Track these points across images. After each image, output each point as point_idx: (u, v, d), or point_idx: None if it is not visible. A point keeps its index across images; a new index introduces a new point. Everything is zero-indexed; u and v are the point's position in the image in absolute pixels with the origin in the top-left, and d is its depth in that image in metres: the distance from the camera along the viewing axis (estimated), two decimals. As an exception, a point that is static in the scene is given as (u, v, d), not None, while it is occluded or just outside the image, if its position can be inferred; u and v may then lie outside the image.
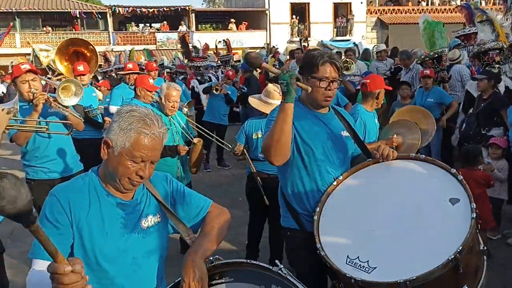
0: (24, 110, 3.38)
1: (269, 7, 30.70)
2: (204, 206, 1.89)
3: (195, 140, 4.10)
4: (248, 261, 1.77)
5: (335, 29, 31.73)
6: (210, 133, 5.55)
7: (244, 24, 31.10)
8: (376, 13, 32.51)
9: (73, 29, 28.88)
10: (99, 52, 9.00)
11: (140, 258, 1.72)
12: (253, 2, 32.57)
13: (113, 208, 1.68)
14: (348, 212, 2.29)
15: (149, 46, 28.02)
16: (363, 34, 31.61)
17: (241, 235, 4.69)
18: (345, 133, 2.53)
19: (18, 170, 4.39)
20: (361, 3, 31.82)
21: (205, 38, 26.34)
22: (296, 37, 30.03)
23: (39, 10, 27.74)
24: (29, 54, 21.97)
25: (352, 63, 8.28)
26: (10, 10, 26.97)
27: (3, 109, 2.86)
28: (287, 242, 2.66)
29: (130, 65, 6.86)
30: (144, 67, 9.20)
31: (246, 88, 8.81)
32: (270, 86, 4.22)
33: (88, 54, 7.84)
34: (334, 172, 2.42)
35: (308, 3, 31.22)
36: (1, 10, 26.87)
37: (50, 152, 3.66)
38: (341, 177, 2.42)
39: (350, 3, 31.74)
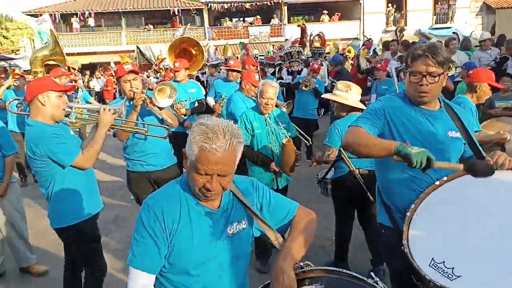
0: (126, 108, 3.65)
1: (363, -3, 29.83)
2: (291, 209, 1.89)
3: (284, 140, 3.92)
4: (339, 270, 1.75)
5: (434, 16, 29.93)
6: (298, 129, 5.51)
7: (337, 15, 30.51)
8: (482, -3, 30.11)
9: (172, 26, 30.45)
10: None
11: (226, 264, 1.76)
12: (347, -8, 31.83)
13: (202, 217, 1.72)
14: (444, 216, 2.16)
15: (242, 40, 28.74)
16: (466, 21, 29.43)
17: (328, 230, 4.67)
18: (452, 134, 2.34)
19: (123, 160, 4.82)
20: (465, -13, 29.65)
21: (297, 31, 26.33)
22: (391, 26, 28.85)
23: (142, 9, 29.66)
24: (133, 51, 23.72)
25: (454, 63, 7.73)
26: (117, 10, 29.16)
27: (109, 110, 3.11)
28: (382, 239, 2.60)
29: (231, 62, 6.95)
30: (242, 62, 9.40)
31: (336, 82, 8.65)
32: (340, 84, 4.08)
33: (194, 53, 8.29)
34: (433, 173, 2.22)
35: (406, -10, 29.81)
36: (109, 10, 29.14)
37: (147, 148, 3.91)
38: (445, 178, 2.25)
39: (452, -12, 29.71)
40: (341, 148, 3.70)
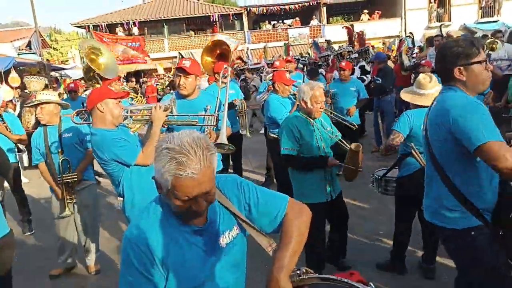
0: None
1: (404, -7, 29.25)
2: (281, 208, 1.74)
3: (353, 146, 3.60)
4: (339, 278, 1.61)
5: (480, 10, 28.91)
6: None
7: (377, 13, 30.08)
8: (531, -13, 28.82)
9: (213, 32, 30.97)
10: (237, 51, 9.57)
11: (226, 273, 1.68)
12: (387, -10, 31.34)
13: (190, 236, 1.60)
14: None
15: (282, 43, 28.86)
16: (514, 13, 28.27)
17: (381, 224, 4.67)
18: None
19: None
20: (512, -22, 28.47)
21: (336, 31, 26.17)
22: (434, 22, 28.15)
23: (184, 16, 30.37)
24: (175, 57, 24.32)
25: (499, 44, 7.54)
26: (159, 18, 30.00)
27: (160, 107, 3.27)
28: (469, 244, 2.42)
29: (277, 63, 7.07)
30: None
31: (380, 79, 8.60)
32: (421, 77, 3.87)
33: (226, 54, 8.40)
34: None
35: (449, -15, 29.00)
36: (152, 19, 30.03)
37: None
38: None
39: (498, -20, 28.63)
40: (412, 144, 3.56)
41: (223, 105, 3.91)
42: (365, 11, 30.46)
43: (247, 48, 25.88)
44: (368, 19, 29.93)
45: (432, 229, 2.65)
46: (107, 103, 3.13)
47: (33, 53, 26.02)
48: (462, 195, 2.35)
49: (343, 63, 7.69)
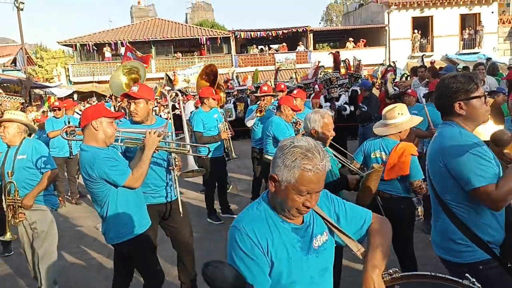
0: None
1: (389, 23, 30.00)
2: (367, 217, 1.93)
3: (376, 165, 3.53)
4: (431, 273, 1.75)
5: (461, 42, 29.82)
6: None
7: (362, 41, 30.73)
8: (510, 22, 29.88)
9: (200, 54, 31.19)
10: (223, 74, 9.56)
11: (316, 277, 1.81)
12: (372, 19, 32.08)
13: (290, 234, 1.76)
14: None
15: (269, 67, 29.18)
16: (494, 46, 29.19)
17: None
18: None
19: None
20: (492, 12, 29.50)
21: (322, 57, 26.58)
22: (418, 51, 28.85)
23: (172, 38, 30.54)
24: (162, 78, 24.37)
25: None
26: (147, 40, 30.13)
27: (154, 132, 3.31)
28: (478, 277, 2.33)
29: (265, 88, 7.04)
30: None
31: (366, 107, 8.73)
32: (385, 110, 3.94)
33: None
34: None
35: (432, 16, 29.86)
36: (139, 40, 30.13)
37: (156, 180, 3.94)
38: None
39: (479, 14, 29.62)
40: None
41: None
42: (351, 39, 31.08)
43: (234, 71, 26.10)
44: (353, 47, 30.53)
45: (442, 263, 2.62)
46: (102, 122, 3.12)
47: (18, 70, 25.79)
48: (468, 229, 2.36)
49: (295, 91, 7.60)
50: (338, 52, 14.26)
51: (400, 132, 3.83)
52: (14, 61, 27.88)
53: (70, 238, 6.23)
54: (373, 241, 1.85)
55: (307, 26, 31.03)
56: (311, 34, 31.70)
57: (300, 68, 27.62)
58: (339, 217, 1.91)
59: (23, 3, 22.26)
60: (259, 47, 33.56)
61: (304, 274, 1.77)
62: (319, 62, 14.55)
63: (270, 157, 5.34)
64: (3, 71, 24.06)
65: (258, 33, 30.81)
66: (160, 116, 12.80)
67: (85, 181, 3.16)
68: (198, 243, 4.97)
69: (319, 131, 3.60)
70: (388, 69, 12.81)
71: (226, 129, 6.37)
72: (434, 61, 11.50)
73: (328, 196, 1.94)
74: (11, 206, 4.13)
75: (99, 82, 28.82)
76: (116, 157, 3.17)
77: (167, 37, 30.41)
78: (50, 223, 4.30)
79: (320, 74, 12.89)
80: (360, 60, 13.82)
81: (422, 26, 29.97)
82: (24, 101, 13.27)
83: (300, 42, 31.50)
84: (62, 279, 4.67)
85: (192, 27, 33.81)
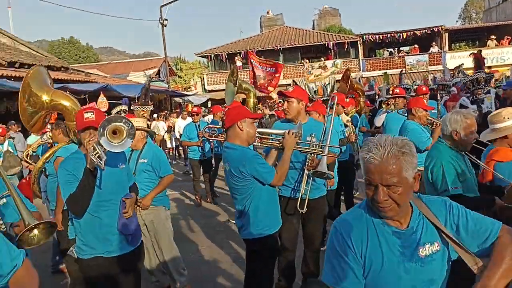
0: None
1: (540, 16, 26.73)
2: (493, 230, 1.73)
3: None
4: None
5: None
6: None
7: (507, 38, 27.79)
8: None
9: (327, 59, 31.19)
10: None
11: (419, 285, 1.71)
12: (519, 13, 28.92)
13: (390, 237, 1.71)
14: None
15: (398, 71, 28.01)
16: None
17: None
18: None
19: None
20: None
21: (458, 58, 24.73)
22: None
23: (299, 45, 31.07)
24: (289, 85, 24.95)
25: None
26: (276, 48, 31.07)
27: (292, 133, 3.42)
28: None
29: (397, 90, 6.99)
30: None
31: None
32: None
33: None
34: None
35: None
36: (268, 48, 31.21)
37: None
38: None
39: None
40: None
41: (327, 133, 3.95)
42: (492, 36, 28.33)
43: (361, 76, 25.56)
44: (496, 45, 27.77)
45: None
46: (246, 122, 3.29)
47: (161, 81, 28.59)
48: None
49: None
50: (480, 51, 13.09)
51: (507, 138, 3.48)
52: (158, 73, 30.96)
53: (205, 234, 6.73)
54: (494, 256, 1.65)
55: (441, 26, 29.13)
56: (446, 34, 29.64)
57: (433, 70, 26.02)
58: (458, 227, 1.74)
59: (167, 20, 24.60)
60: (388, 50, 32.39)
61: (403, 282, 1.68)
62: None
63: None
64: (151, 82, 26.89)
65: (387, 35, 29.78)
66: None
67: (231, 178, 3.29)
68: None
69: (460, 132, 3.22)
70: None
71: (352, 133, 6.32)
72: None
73: (447, 204, 1.79)
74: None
75: (230, 90, 30.42)
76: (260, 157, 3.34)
77: (294, 44, 31.00)
78: (165, 221, 4.65)
79: (458, 74, 11.99)
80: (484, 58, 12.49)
81: None
82: (152, 108, 14.58)
83: (434, 43, 29.67)
84: (195, 273, 5.04)
85: (319, 33, 33.98)
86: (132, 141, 2.82)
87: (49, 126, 4.80)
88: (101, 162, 2.70)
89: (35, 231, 2.55)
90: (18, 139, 10.16)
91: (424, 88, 7.47)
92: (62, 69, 19.12)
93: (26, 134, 9.72)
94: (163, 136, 14.94)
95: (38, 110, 4.02)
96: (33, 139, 8.72)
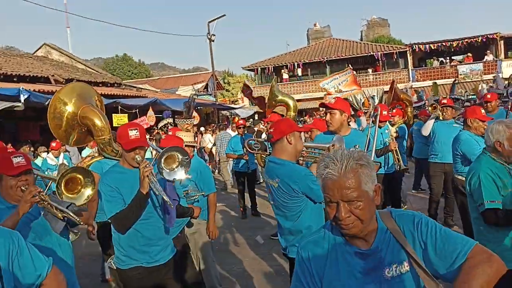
0: None
1: None
2: (462, 250, 1.52)
3: None
4: None
5: None
6: None
7: None
8: None
9: (375, 70, 30.71)
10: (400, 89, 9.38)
11: None
12: None
13: (351, 258, 1.61)
14: None
15: (450, 80, 27.13)
16: None
17: None
18: None
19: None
20: None
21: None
22: None
23: (346, 57, 30.80)
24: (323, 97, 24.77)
25: None
26: (322, 60, 30.97)
27: (333, 145, 3.23)
28: None
29: (444, 101, 6.84)
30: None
31: None
32: None
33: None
34: None
35: None
36: (315, 60, 31.17)
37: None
38: None
39: None
40: None
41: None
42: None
43: (411, 86, 24.96)
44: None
45: None
46: (295, 136, 3.10)
47: (209, 94, 29.18)
48: None
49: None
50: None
51: None
52: (206, 87, 31.64)
53: (249, 246, 6.77)
54: (459, 283, 1.45)
55: (496, 33, 27.96)
56: (502, 41, 28.41)
57: (489, 79, 24.97)
58: (426, 246, 1.58)
59: (214, 35, 25.20)
60: (439, 59, 31.45)
61: None
62: None
63: (461, 177, 4.80)
64: (197, 95, 27.52)
65: (438, 44, 28.94)
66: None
67: (281, 194, 3.09)
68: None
69: (504, 143, 3.02)
70: None
71: (392, 141, 6.23)
72: None
73: (415, 221, 1.63)
74: None
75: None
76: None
77: (341, 56, 30.77)
78: (206, 235, 4.65)
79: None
80: None
81: None
82: (196, 122, 14.87)
83: (488, 51, 28.51)
84: (242, 283, 5.14)
85: (366, 43, 33.56)
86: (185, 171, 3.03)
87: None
88: (161, 190, 2.94)
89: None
90: (73, 152, 10.66)
91: (489, 96, 7.07)
92: (116, 85, 19.98)
93: (81, 148, 10.20)
94: (211, 148, 15.20)
95: (72, 126, 4.17)
96: (87, 152, 9.19)
